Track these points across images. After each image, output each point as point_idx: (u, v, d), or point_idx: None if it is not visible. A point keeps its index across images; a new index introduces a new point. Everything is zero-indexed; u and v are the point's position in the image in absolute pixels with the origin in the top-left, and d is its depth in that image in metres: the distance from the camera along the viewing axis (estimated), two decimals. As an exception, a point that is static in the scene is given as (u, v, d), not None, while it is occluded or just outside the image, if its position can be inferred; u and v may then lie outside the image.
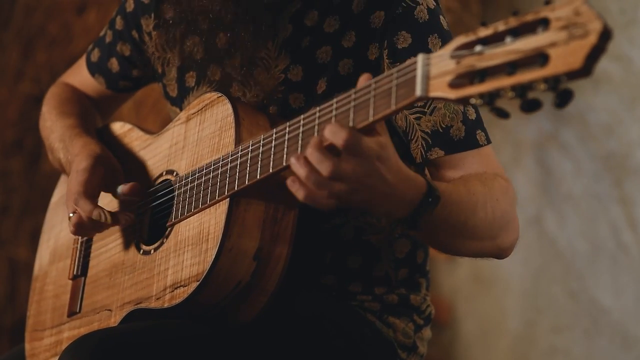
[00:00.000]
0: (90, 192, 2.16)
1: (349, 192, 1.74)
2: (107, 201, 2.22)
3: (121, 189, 2.17)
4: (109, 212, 2.14)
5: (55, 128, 2.40)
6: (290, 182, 1.76)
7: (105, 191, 2.21)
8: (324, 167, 1.72)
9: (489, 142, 2.07)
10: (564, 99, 1.43)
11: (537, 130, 3.73)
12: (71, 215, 2.17)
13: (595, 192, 3.62)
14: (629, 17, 3.49)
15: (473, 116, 2.06)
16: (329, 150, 1.73)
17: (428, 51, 1.66)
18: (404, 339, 2.21)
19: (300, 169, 1.74)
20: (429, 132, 2.04)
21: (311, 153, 1.73)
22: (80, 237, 2.34)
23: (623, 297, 3.56)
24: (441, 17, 2.09)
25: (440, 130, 2.03)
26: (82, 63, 2.55)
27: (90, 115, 2.49)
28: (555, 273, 3.73)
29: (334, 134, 1.71)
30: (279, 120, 1.99)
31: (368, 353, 2.16)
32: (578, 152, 3.64)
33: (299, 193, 1.75)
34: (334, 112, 1.75)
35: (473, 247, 1.99)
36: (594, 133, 3.59)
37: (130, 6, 2.38)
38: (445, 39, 2.05)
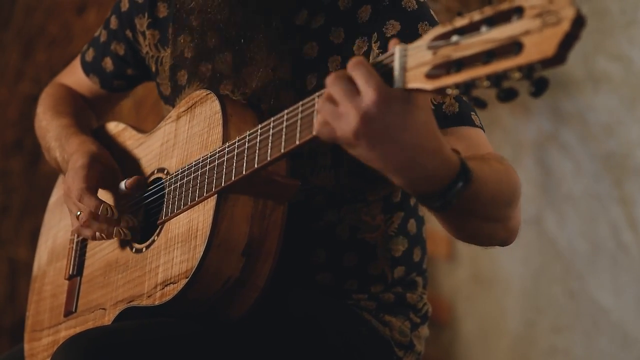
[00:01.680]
0: (92, 188, 2.17)
1: (369, 135, 1.61)
2: (105, 199, 2.22)
3: (125, 182, 2.17)
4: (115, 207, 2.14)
5: (50, 127, 2.41)
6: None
7: (103, 189, 2.21)
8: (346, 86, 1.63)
9: (483, 129, 2.02)
10: (539, 87, 1.42)
11: (537, 130, 3.72)
12: (78, 214, 2.16)
13: (595, 192, 3.60)
14: (629, 17, 3.47)
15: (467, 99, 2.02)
16: None
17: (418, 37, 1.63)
18: (401, 337, 2.21)
19: (330, 87, 1.65)
20: None
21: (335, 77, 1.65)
22: (76, 237, 2.34)
23: (623, 297, 3.54)
24: (430, 10, 2.08)
25: (432, 107, 2.00)
26: (76, 63, 2.56)
27: (85, 115, 2.50)
28: (555, 273, 3.72)
29: (354, 66, 1.63)
30: (268, 117, 1.99)
31: (364, 352, 2.16)
32: (578, 152, 3.62)
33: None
34: (316, 106, 1.73)
35: (489, 229, 1.87)
36: (594, 133, 3.58)
37: (124, 6, 2.39)
38: None
